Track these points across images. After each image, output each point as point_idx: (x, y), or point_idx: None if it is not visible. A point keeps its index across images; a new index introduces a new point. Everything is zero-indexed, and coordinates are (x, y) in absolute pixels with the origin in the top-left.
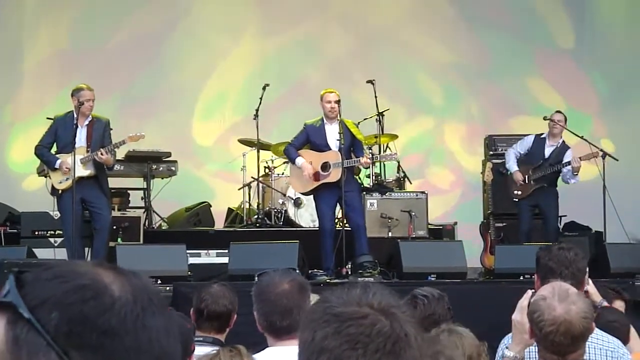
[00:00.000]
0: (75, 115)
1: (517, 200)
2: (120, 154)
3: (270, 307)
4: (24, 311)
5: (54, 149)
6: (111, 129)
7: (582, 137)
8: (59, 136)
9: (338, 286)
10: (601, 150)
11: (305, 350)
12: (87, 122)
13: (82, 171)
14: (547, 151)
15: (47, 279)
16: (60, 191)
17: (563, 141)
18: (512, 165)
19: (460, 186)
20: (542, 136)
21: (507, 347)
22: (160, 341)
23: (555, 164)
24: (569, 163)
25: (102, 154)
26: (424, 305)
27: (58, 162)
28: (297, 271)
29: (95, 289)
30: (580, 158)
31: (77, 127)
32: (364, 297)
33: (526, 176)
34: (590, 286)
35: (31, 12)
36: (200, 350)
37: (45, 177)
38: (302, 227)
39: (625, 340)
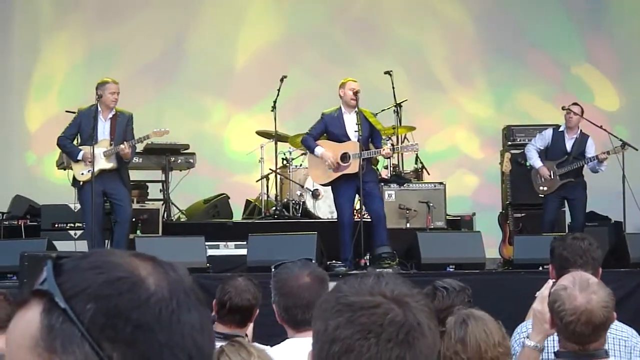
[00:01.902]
0: (98, 108)
1: (542, 195)
2: (139, 146)
3: (291, 300)
4: (60, 301)
5: (76, 142)
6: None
7: (600, 127)
8: (82, 129)
9: (351, 276)
10: (621, 140)
11: (319, 340)
12: (110, 116)
13: (104, 164)
14: (569, 145)
15: (85, 268)
16: (81, 183)
17: (581, 131)
18: (537, 161)
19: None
20: (560, 129)
21: (527, 337)
22: (195, 337)
23: (579, 156)
24: (594, 158)
25: (124, 147)
26: (442, 297)
27: (81, 153)
28: (314, 262)
29: (131, 282)
30: (608, 152)
31: (95, 120)
32: (377, 286)
33: (551, 172)
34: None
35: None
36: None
37: (65, 169)
38: (320, 218)
39: None
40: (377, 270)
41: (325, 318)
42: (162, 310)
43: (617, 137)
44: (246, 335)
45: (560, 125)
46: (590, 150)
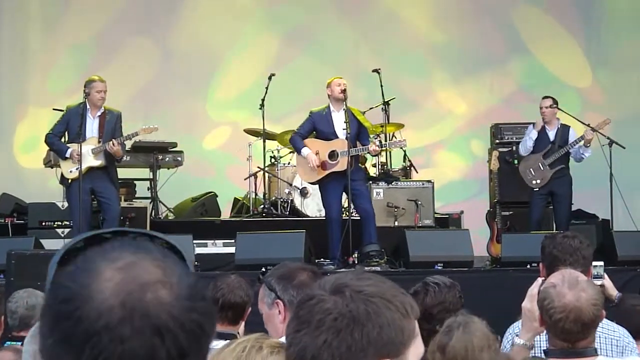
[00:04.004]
0: (87, 106)
1: (537, 189)
2: (127, 144)
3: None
4: None
5: (64, 140)
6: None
7: (588, 125)
8: (70, 126)
9: None
10: (608, 137)
11: None
12: (99, 114)
13: (92, 161)
14: (551, 135)
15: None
16: (69, 181)
17: (561, 122)
18: (525, 145)
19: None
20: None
21: (517, 335)
22: None
23: (564, 144)
24: (580, 139)
25: (113, 144)
26: (434, 293)
27: (69, 150)
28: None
29: (67, 295)
30: (592, 129)
31: (83, 117)
32: (327, 281)
33: (539, 163)
34: (606, 280)
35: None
36: None
37: (52, 167)
38: (308, 216)
39: None
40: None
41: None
42: (89, 327)
43: (604, 135)
44: (238, 333)
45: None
46: (574, 137)
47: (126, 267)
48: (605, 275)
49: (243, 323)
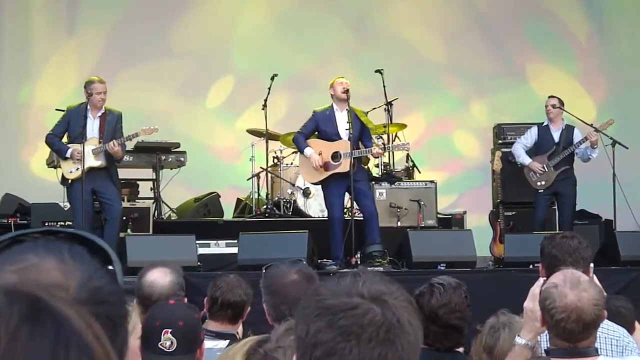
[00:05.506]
0: (88, 107)
1: (542, 191)
2: (129, 144)
3: (279, 298)
4: None
5: (65, 140)
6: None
7: (591, 125)
8: (71, 127)
9: (329, 278)
10: (611, 138)
11: (301, 344)
12: (99, 114)
13: (93, 162)
14: (556, 136)
15: None
16: (70, 181)
17: (566, 123)
18: (525, 158)
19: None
20: (544, 124)
21: (518, 335)
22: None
23: (568, 145)
24: (583, 140)
25: (114, 145)
26: (440, 294)
27: (69, 150)
28: (304, 262)
29: None
30: (596, 130)
31: (86, 118)
32: (354, 286)
33: (544, 165)
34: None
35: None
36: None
37: (55, 168)
38: (311, 217)
39: (629, 327)
40: (356, 269)
41: (306, 322)
42: None
43: (607, 135)
44: (237, 333)
45: (544, 122)
46: (578, 138)
47: (25, 269)
48: (595, 277)
49: (242, 322)
